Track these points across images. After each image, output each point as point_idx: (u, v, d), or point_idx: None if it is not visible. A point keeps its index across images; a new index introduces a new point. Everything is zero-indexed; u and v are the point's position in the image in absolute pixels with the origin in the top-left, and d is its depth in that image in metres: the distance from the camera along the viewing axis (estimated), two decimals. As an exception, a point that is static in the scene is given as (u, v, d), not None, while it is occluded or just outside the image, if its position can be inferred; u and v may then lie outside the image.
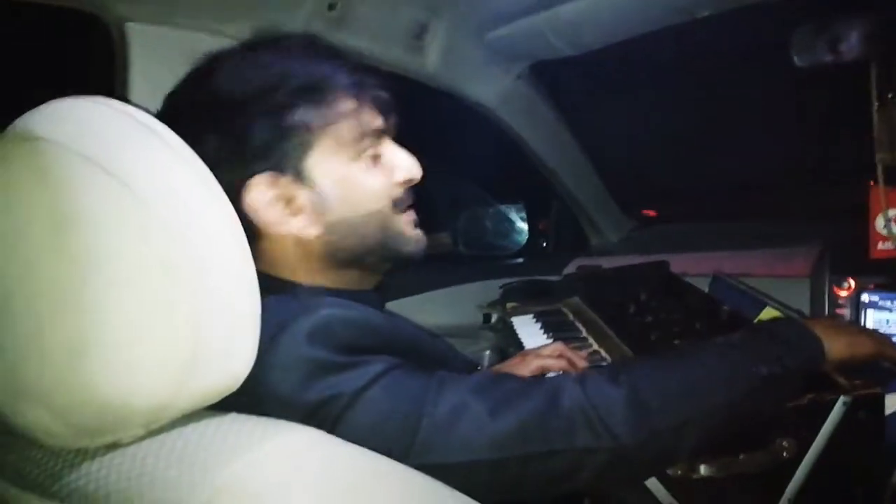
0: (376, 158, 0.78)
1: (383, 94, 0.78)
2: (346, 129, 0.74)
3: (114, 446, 0.50)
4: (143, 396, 0.47)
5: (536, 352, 1.14)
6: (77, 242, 0.46)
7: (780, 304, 1.18)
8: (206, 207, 0.52)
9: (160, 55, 0.86)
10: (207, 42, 0.86)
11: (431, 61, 1.40)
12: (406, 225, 0.81)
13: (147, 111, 0.55)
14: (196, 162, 0.54)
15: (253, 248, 0.73)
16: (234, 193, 0.70)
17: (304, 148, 0.73)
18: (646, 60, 1.63)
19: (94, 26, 0.84)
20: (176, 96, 0.75)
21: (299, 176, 0.73)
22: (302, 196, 0.74)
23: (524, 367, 1.11)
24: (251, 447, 0.48)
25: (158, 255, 0.47)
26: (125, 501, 0.46)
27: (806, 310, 1.32)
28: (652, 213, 2.12)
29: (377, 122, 0.77)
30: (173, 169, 0.51)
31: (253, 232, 0.73)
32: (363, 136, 0.75)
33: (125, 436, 0.50)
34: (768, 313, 1.17)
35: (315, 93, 0.73)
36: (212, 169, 0.61)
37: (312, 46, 0.77)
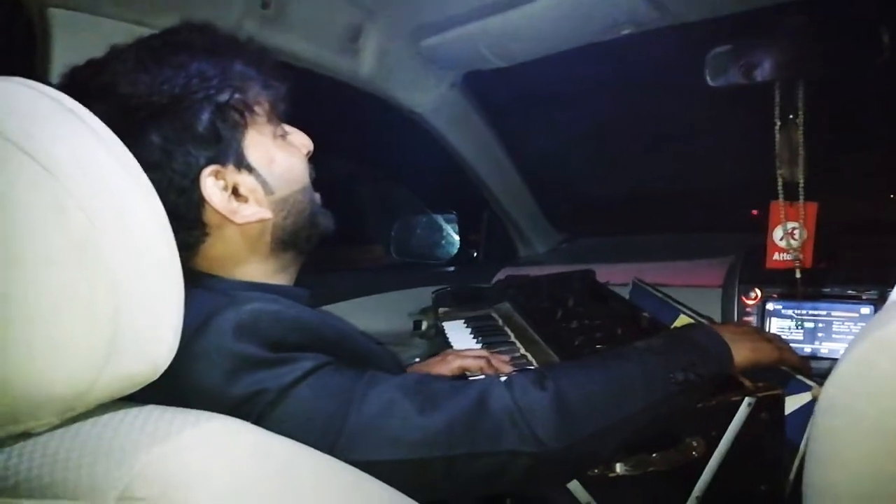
0: (284, 137, 0.82)
1: (280, 76, 0.81)
2: (265, 111, 0.78)
3: (25, 435, 0.48)
4: (59, 382, 0.46)
5: (459, 352, 1.16)
6: None
7: (693, 312, 1.24)
8: (126, 190, 0.51)
9: (84, 43, 0.83)
10: (135, 32, 0.84)
11: (366, 66, 1.40)
12: (319, 199, 0.85)
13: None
14: (116, 145, 0.53)
15: (197, 250, 0.74)
16: (182, 193, 0.71)
17: (241, 131, 0.75)
18: (573, 75, 1.67)
19: (15, 9, 0.80)
20: (89, 106, 0.73)
21: (240, 162, 0.75)
22: (246, 181, 0.75)
23: (445, 366, 1.13)
24: (170, 435, 0.47)
25: (75, 236, 0.46)
26: (36, 489, 0.44)
27: (717, 317, 1.39)
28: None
29: (280, 103, 0.81)
30: (92, 150, 0.50)
31: (200, 233, 0.74)
32: (275, 115, 0.79)
33: (37, 424, 0.48)
34: (683, 320, 1.23)
35: (234, 80, 0.74)
36: (154, 170, 0.62)
37: (209, 38, 0.77)
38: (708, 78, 1.22)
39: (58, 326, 0.46)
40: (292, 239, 0.80)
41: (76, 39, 0.88)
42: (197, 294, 0.57)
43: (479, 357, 1.14)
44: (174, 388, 0.55)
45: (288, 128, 0.83)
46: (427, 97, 1.60)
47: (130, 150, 0.63)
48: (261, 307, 0.65)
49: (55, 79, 0.79)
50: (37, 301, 0.45)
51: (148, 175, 0.64)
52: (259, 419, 0.59)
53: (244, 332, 0.62)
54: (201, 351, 0.60)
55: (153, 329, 0.51)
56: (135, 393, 0.52)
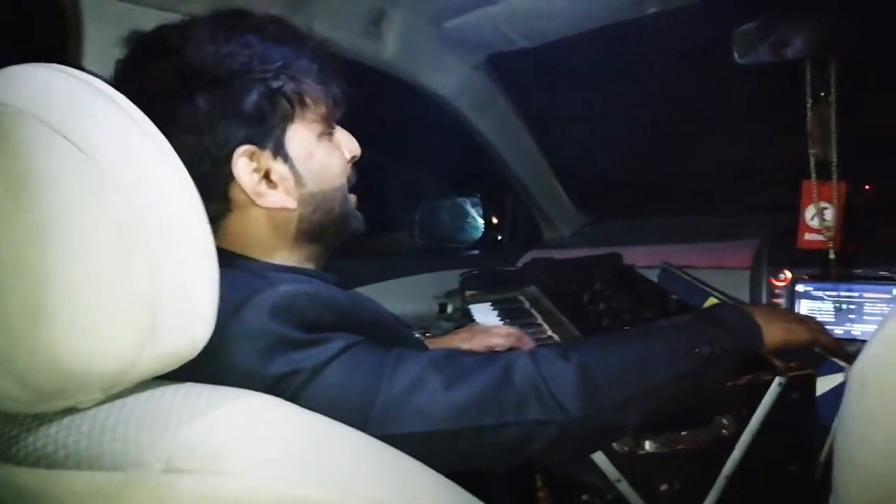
0: (331, 137, 0.82)
1: (342, 82, 0.82)
2: (316, 108, 0.79)
3: (72, 410, 0.50)
4: (103, 359, 0.47)
5: (487, 329, 1.17)
6: (33, 205, 0.46)
7: (722, 295, 1.23)
8: (162, 173, 0.52)
9: (116, 30, 0.84)
10: (166, 19, 0.85)
11: (389, 49, 1.40)
12: (354, 202, 0.86)
13: (103, 79, 0.55)
14: (152, 129, 0.54)
15: (220, 225, 0.75)
16: (215, 164, 0.73)
17: (287, 120, 0.76)
18: (599, 56, 1.66)
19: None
20: (148, 62, 0.74)
21: (278, 150, 0.76)
22: (279, 170, 0.76)
23: (471, 342, 1.13)
24: (210, 410, 0.48)
25: (114, 218, 0.47)
26: (85, 461, 0.46)
27: (746, 299, 1.38)
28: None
29: (337, 106, 0.82)
30: (129, 135, 0.51)
31: (224, 207, 0.76)
32: (328, 117, 0.80)
33: (84, 400, 0.49)
34: (711, 303, 1.22)
35: (294, 71, 0.76)
36: (193, 134, 0.65)
37: (281, 28, 0.78)
38: (736, 56, 1.20)
39: (99, 307, 0.47)
40: (318, 234, 0.81)
41: (108, 26, 0.89)
42: (232, 275, 0.58)
43: (509, 335, 1.14)
44: (211, 368, 0.57)
45: (341, 131, 0.84)
46: (450, 80, 1.59)
47: (176, 110, 0.67)
48: (297, 288, 0.66)
49: (88, 65, 0.81)
50: (79, 282, 0.46)
51: (186, 138, 0.66)
52: (293, 398, 0.60)
53: (280, 312, 0.63)
54: (238, 331, 0.61)
55: (191, 308, 0.52)
56: (172, 372, 0.53)
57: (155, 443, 0.46)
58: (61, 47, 0.80)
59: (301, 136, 0.78)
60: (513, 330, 1.17)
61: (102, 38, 0.84)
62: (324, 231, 0.82)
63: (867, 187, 1.78)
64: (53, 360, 0.46)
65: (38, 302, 0.45)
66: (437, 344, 1.17)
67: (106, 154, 0.48)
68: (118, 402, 0.50)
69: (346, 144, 0.84)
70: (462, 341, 1.15)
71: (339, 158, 0.82)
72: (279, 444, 0.49)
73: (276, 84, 0.74)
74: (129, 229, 0.48)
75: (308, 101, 0.78)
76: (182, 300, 0.51)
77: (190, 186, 0.55)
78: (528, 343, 1.15)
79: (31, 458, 0.48)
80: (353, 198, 0.85)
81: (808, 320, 0.92)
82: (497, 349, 1.13)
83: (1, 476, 0.50)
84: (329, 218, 0.81)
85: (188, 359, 0.53)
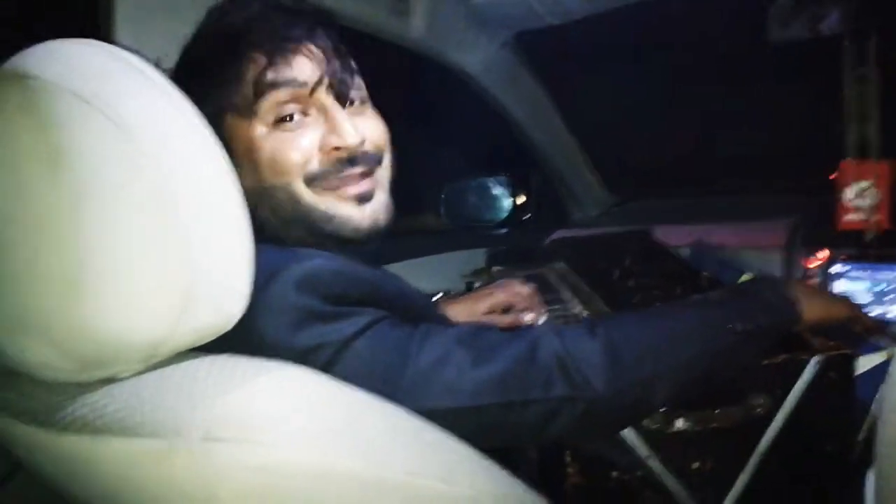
0: (286, 121, 0.72)
1: (312, 45, 0.72)
2: (249, 86, 0.71)
3: (113, 379, 0.51)
4: (140, 330, 0.48)
5: (508, 286, 1.16)
6: (70, 177, 0.46)
7: (757, 272, 1.20)
8: (194, 145, 0.53)
9: (147, 2, 0.85)
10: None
11: (416, 26, 1.39)
12: (332, 201, 0.74)
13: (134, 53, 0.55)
14: (184, 103, 0.54)
15: None
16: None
17: (222, 103, 0.72)
18: (628, 33, 1.63)
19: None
20: None
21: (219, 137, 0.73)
22: None
23: (491, 299, 1.13)
24: (246, 381, 0.49)
25: (150, 191, 0.48)
26: (125, 429, 0.47)
27: (779, 280, 1.36)
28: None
29: (289, 72, 0.71)
30: (163, 109, 0.52)
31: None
32: (262, 93, 0.71)
33: (123, 369, 0.50)
34: (746, 279, 1.20)
35: (230, 42, 0.72)
36: None
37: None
38: (770, 32, 1.17)
39: (137, 279, 0.47)
40: (273, 231, 0.73)
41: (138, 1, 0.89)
42: (260, 249, 0.59)
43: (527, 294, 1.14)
44: (241, 341, 0.57)
45: (324, 113, 0.73)
46: (478, 57, 1.57)
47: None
48: (322, 263, 0.66)
49: (120, 39, 0.81)
50: (116, 254, 0.47)
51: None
52: (322, 372, 0.60)
53: (306, 286, 0.63)
54: (266, 304, 0.61)
55: (226, 280, 0.52)
56: (206, 344, 0.54)
57: (193, 412, 0.46)
58: (93, 22, 0.81)
59: (238, 121, 0.71)
60: (532, 286, 1.16)
61: (134, 12, 0.84)
62: (278, 231, 0.73)
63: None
64: (93, 331, 0.47)
65: (78, 274, 0.46)
66: (456, 303, 1.16)
67: (139, 127, 0.49)
68: (157, 373, 0.51)
69: (338, 129, 0.72)
70: (481, 297, 1.14)
71: (287, 148, 0.71)
72: (315, 415, 0.49)
73: (210, 64, 0.71)
74: (163, 201, 0.48)
75: (241, 77, 0.71)
76: (217, 273, 0.51)
77: (221, 159, 0.55)
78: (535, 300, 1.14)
79: (75, 425, 0.49)
80: (338, 193, 0.74)
81: (846, 298, 0.90)
82: (517, 306, 1.13)
83: (47, 442, 0.51)
84: (277, 217, 0.73)
85: (223, 331, 0.54)
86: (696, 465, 0.81)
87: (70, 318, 0.47)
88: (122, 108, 0.48)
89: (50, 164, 0.46)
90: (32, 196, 0.47)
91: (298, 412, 0.49)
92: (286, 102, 0.71)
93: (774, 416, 0.81)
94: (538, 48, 1.69)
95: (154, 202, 0.48)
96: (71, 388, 0.51)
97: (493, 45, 1.57)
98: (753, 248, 1.47)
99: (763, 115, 2.01)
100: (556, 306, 1.23)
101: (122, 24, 0.80)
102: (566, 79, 1.90)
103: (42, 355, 0.49)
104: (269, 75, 0.70)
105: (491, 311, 1.14)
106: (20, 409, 0.54)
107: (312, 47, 0.72)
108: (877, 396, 0.84)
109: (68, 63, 0.49)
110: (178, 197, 0.49)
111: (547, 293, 1.33)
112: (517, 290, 1.15)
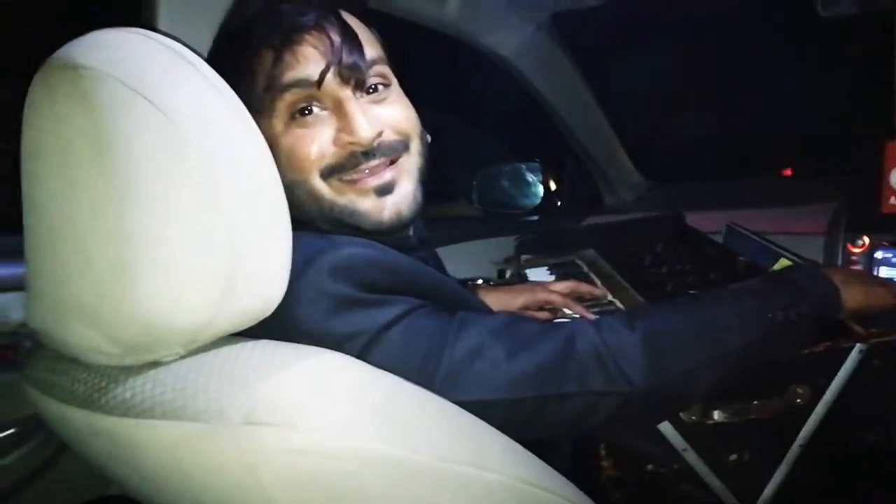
0: (303, 115, 0.71)
1: (318, 33, 0.69)
2: (259, 82, 0.70)
3: (157, 364, 0.52)
4: (184, 316, 0.49)
5: (544, 285, 1.16)
6: (117, 165, 0.47)
7: (795, 256, 1.17)
8: (238, 135, 0.53)
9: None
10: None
11: (450, 8, 1.37)
12: (351, 195, 0.73)
13: (178, 41, 0.56)
14: (228, 92, 0.55)
15: None
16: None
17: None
18: (665, 14, 1.59)
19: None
20: None
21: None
22: None
23: (529, 296, 1.14)
24: (286, 366, 0.50)
25: (194, 178, 0.49)
26: (169, 412, 0.48)
27: (819, 266, 1.32)
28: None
29: (296, 71, 0.69)
30: (207, 97, 0.52)
31: None
32: (273, 97, 0.70)
33: (167, 354, 0.51)
34: (783, 264, 1.17)
35: (239, 39, 0.71)
36: None
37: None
38: (819, 7, 1.13)
39: (181, 265, 0.48)
40: (306, 223, 0.72)
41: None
42: (299, 236, 0.59)
43: (565, 289, 1.15)
44: (278, 327, 0.57)
45: (334, 107, 0.71)
46: (513, 39, 1.55)
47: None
48: (358, 251, 0.66)
49: (162, 27, 0.82)
50: (161, 241, 0.48)
51: None
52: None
53: (340, 273, 0.63)
54: (302, 292, 0.61)
55: (266, 267, 0.53)
56: (245, 331, 0.55)
57: (235, 396, 0.47)
58: (137, 10, 0.82)
59: (259, 118, 0.66)
60: (570, 283, 1.17)
61: (177, 3, 0.85)
62: (310, 223, 0.73)
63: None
64: (138, 316, 0.48)
65: (124, 259, 0.47)
66: (493, 294, 1.17)
67: (183, 114, 0.49)
68: (199, 357, 0.52)
69: (351, 125, 0.70)
70: (518, 293, 1.15)
71: (301, 144, 0.70)
72: (354, 401, 0.50)
73: (226, 62, 0.68)
74: (206, 188, 0.49)
75: (252, 73, 0.70)
76: (257, 259, 0.52)
77: (263, 147, 0.55)
78: (584, 289, 1.15)
79: (121, 407, 0.50)
80: (357, 186, 0.72)
81: (890, 283, 0.88)
82: (552, 304, 1.14)
83: (94, 424, 0.53)
84: (305, 212, 0.72)
85: (263, 317, 0.54)
86: (733, 457, 0.80)
87: (117, 304, 0.48)
88: (167, 96, 0.49)
89: (97, 152, 0.47)
90: (80, 183, 0.48)
91: (337, 398, 0.49)
92: (298, 100, 0.70)
93: (815, 406, 0.79)
94: (574, 30, 1.66)
95: (198, 189, 0.49)
96: (116, 372, 0.53)
97: (529, 27, 1.54)
98: (791, 234, 1.43)
99: (807, 94, 1.96)
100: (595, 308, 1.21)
101: (165, 11, 0.81)
102: (602, 60, 1.87)
103: (89, 340, 0.50)
104: (278, 76, 0.69)
105: (525, 308, 1.14)
106: (67, 392, 0.55)
107: (319, 35, 0.70)
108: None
109: (115, 52, 0.50)
110: (221, 184, 0.50)
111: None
112: (555, 289, 1.16)
